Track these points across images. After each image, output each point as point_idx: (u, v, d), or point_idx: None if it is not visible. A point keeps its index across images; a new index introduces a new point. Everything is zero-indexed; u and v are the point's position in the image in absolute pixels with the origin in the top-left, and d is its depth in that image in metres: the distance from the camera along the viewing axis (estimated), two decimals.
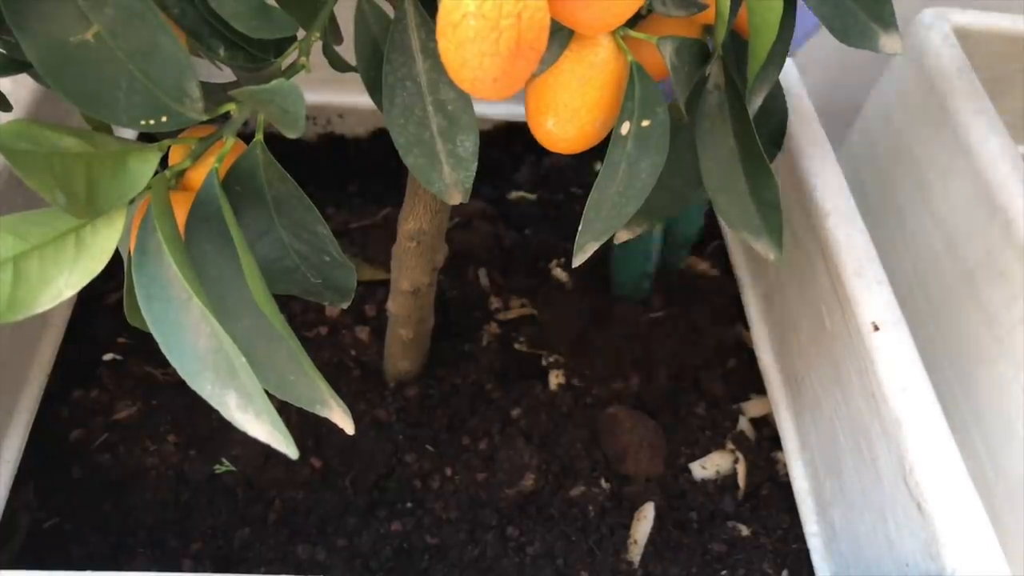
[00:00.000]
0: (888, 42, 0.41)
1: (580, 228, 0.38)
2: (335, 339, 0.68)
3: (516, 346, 0.68)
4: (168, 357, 0.32)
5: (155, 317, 0.33)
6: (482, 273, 0.73)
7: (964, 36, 0.74)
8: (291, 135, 0.33)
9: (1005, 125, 0.66)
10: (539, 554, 0.58)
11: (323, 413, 0.35)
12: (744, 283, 0.73)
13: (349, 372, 0.66)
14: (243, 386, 0.31)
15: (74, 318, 0.68)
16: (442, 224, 0.55)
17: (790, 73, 0.69)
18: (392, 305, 0.60)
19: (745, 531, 0.60)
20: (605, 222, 0.39)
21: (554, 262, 0.74)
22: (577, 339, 0.69)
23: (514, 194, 0.81)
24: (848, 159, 0.83)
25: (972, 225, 0.64)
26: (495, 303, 0.71)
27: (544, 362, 0.68)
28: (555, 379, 0.67)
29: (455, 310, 0.71)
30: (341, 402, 0.35)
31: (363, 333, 0.68)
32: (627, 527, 0.60)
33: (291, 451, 0.32)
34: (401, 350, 0.64)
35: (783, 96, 0.45)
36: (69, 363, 0.65)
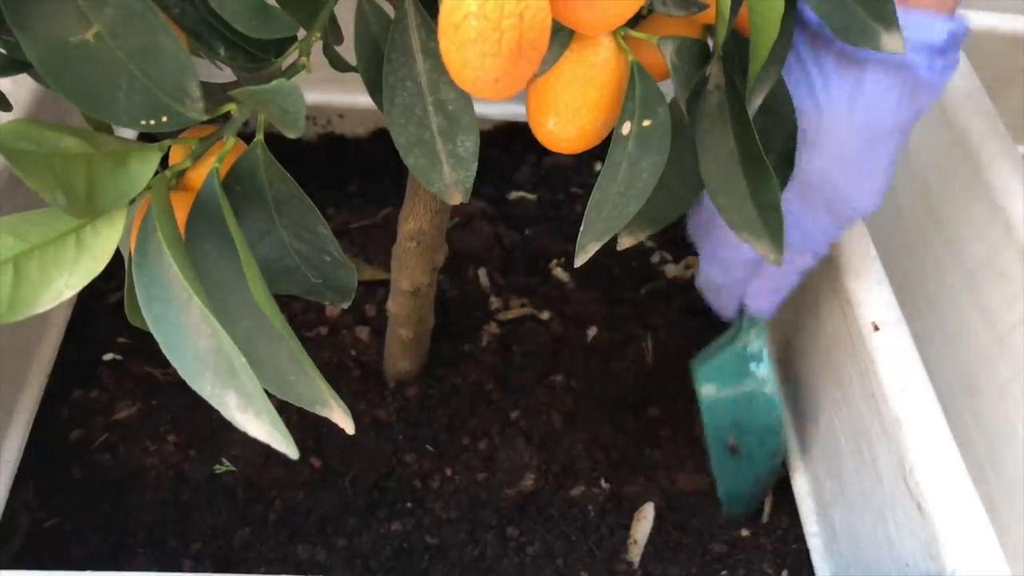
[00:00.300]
0: (890, 41, 0.41)
1: (582, 228, 0.38)
2: (335, 339, 0.68)
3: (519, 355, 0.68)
4: (169, 357, 0.32)
5: (156, 317, 0.33)
6: (482, 273, 0.73)
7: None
8: (291, 135, 0.33)
9: (1005, 125, 0.66)
10: (539, 554, 0.58)
11: (323, 413, 0.35)
12: None
13: (349, 372, 0.66)
14: (243, 386, 0.31)
15: (74, 318, 0.68)
16: (442, 224, 0.55)
17: None
18: (392, 305, 0.60)
19: (745, 531, 0.60)
20: (607, 222, 0.39)
21: (554, 262, 0.74)
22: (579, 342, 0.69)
23: (514, 194, 0.81)
24: None
25: (972, 225, 0.64)
26: (495, 303, 0.71)
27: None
28: (557, 380, 0.67)
29: (455, 310, 0.71)
30: (341, 402, 0.35)
31: (363, 333, 0.68)
32: (627, 527, 0.60)
33: (291, 451, 0.32)
34: (401, 350, 0.64)
35: (791, 102, 0.45)
36: (69, 363, 0.65)
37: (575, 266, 0.38)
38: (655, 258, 0.76)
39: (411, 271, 0.57)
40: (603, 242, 0.39)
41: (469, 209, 0.77)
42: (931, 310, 0.68)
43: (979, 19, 0.76)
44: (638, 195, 0.39)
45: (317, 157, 0.83)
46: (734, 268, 0.56)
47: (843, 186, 0.50)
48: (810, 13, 0.45)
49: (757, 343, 0.58)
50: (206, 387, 0.32)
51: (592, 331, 0.70)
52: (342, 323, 0.69)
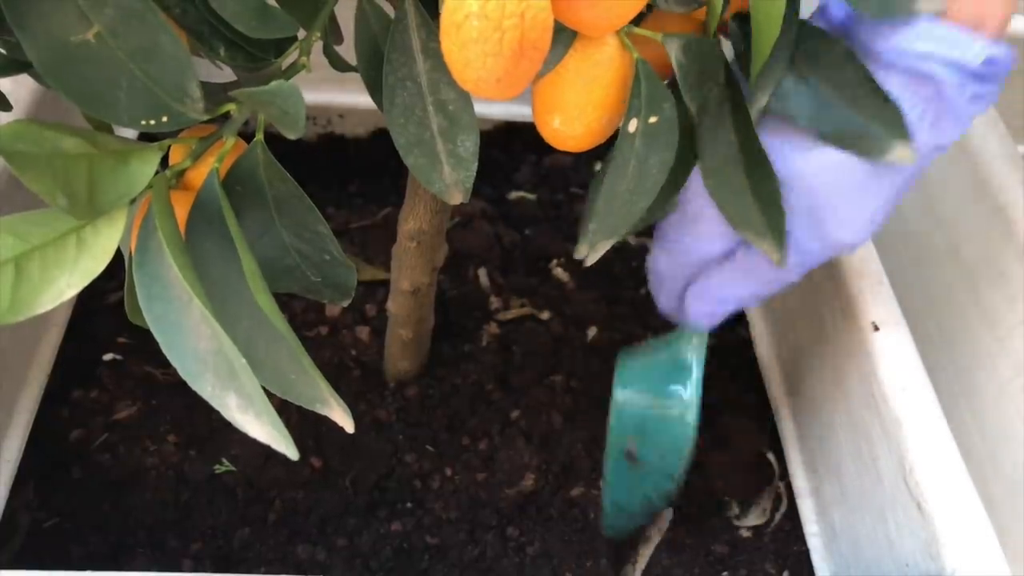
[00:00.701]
0: (926, 3, 0.39)
1: (591, 225, 0.38)
2: (335, 339, 0.68)
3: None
4: (169, 357, 0.32)
5: (156, 317, 0.33)
6: (482, 273, 0.73)
7: None
8: (291, 136, 0.33)
9: (1005, 125, 0.66)
10: (539, 554, 0.58)
11: (323, 412, 0.35)
12: None
13: (349, 372, 0.66)
14: (243, 387, 0.31)
15: (74, 318, 0.68)
16: (442, 224, 0.55)
17: None
18: (392, 305, 0.60)
19: (746, 532, 0.60)
20: (617, 218, 0.39)
21: (554, 262, 0.74)
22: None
23: (514, 194, 0.81)
24: None
25: (972, 225, 0.64)
26: (495, 303, 0.71)
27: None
28: (558, 380, 0.67)
29: (455, 310, 0.71)
30: (341, 401, 0.35)
31: (363, 333, 0.68)
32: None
33: (291, 452, 0.32)
34: (401, 350, 0.64)
35: None
36: (69, 363, 0.65)
37: (586, 265, 0.38)
38: None
39: (411, 271, 0.57)
40: (614, 240, 0.39)
41: (469, 209, 0.77)
42: (931, 310, 0.68)
43: None
44: (648, 192, 0.38)
45: (317, 157, 0.83)
46: (683, 255, 0.49)
47: (832, 205, 0.44)
48: (834, 8, 0.42)
49: (692, 357, 0.52)
50: (206, 387, 0.32)
51: (592, 331, 0.70)
52: (342, 323, 0.69)
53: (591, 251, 0.38)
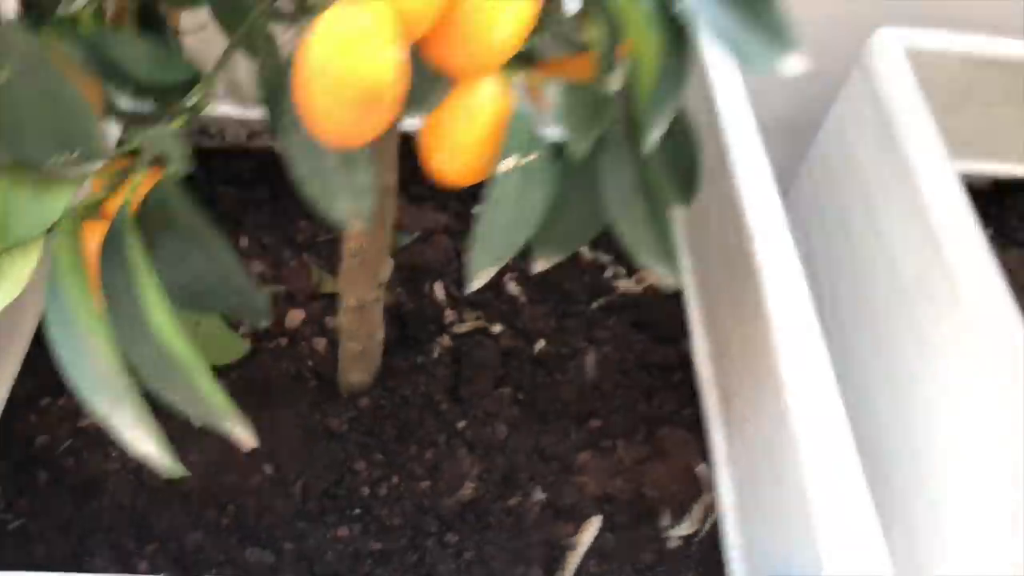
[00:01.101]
0: (789, 63, 0.41)
1: (473, 256, 0.40)
2: (294, 350, 0.70)
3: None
4: (68, 379, 0.35)
5: (60, 341, 0.35)
6: (438, 287, 0.75)
7: (917, 56, 0.75)
8: (181, 172, 0.35)
9: (959, 143, 0.67)
10: (474, 560, 0.60)
11: (224, 431, 0.37)
12: (689, 300, 0.74)
13: (306, 382, 0.69)
14: (132, 408, 0.34)
15: (41, 328, 0.71)
16: (381, 243, 0.57)
17: (735, 92, 0.70)
18: (341, 319, 0.63)
19: (675, 542, 0.62)
20: (499, 248, 0.41)
21: (507, 276, 0.76)
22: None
23: (479, 208, 0.83)
24: (808, 176, 0.85)
25: (908, 244, 0.65)
26: (450, 316, 0.73)
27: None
28: (505, 392, 0.69)
29: (411, 323, 0.73)
30: (242, 419, 0.37)
31: (320, 345, 0.70)
32: (563, 536, 0.62)
33: (174, 469, 0.34)
34: (352, 362, 0.66)
35: (691, 133, 0.46)
36: (40, 372, 0.68)
37: (467, 292, 0.40)
38: (609, 272, 0.78)
39: (356, 287, 0.60)
40: (498, 268, 0.41)
41: (432, 224, 0.79)
42: (870, 326, 0.69)
43: (933, 39, 0.77)
44: (529, 223, 0.40)
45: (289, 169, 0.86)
46: None
47: None
48: None
49: None
50: (102, 407, 0.35)
51: (540, 344, 0.72)
52: (301, 334, 0.71)
53: (475, 277, 0.40)
